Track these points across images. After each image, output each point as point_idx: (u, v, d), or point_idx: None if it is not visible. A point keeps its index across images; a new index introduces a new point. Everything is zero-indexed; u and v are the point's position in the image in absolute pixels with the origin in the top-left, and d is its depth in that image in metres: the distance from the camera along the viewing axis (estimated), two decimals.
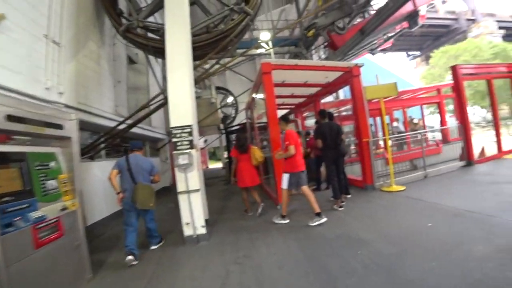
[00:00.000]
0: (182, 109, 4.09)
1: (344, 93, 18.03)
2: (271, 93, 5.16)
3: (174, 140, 4.00)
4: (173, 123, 4.03)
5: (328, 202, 5.21)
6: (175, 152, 4.01)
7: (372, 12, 10.75)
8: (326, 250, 3.17)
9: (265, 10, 12.54)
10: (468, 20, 36.71)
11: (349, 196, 5.30)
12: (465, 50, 27.41)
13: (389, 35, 15.65)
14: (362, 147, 5.83)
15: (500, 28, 35.61)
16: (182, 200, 3.98)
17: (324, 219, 4.09)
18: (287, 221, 4.38)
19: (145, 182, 3.80)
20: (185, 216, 3.97)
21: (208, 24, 5.96)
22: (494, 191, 4.46)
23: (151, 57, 7.95)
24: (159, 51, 4.33)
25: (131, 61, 9.46)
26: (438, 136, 12.98)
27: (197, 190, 4.00)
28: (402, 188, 5.45)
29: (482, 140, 9.39)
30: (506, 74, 8.25)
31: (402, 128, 13.05)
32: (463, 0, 36.73)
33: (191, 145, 4.00)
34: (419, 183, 5.84)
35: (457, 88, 7.15)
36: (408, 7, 12.61)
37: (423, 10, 15.83)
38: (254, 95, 6.87)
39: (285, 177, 4.32)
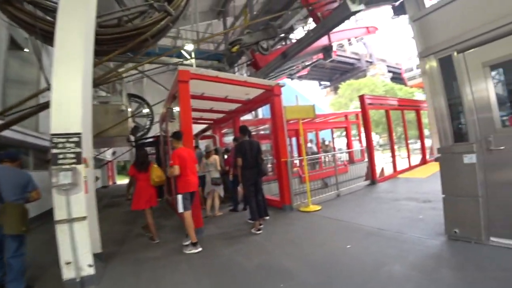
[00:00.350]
0: (70, 112, 3.15)
1: (262, 112, 18.72)
2: (187, 105, 4.63)
3: (54, 151, 3.05)
4: (54, 129, 3.03)
5: (246, 224, 4.88)
6: (54, 167, 3.04)
7: (294, 40, 11.55)
8: (245, 286, 2.77)
9: (191, 21, 12.09)
10: (367, 61, 43.81)
11: (267, 218, 5.06)
12: (365, 85, 32.34)
13: (307, 63, 17.27)
14: (280, 167, 5.74)
15: (389, 71, 43.74)
16: (61, 232, 2.94)
17: (199, 249, 3.76)
18: (200, 249, 3.81)
19: (17, 200, 2.95)
20: (64, 253, 2.94)
21: (121, 16, 5.13)
22: (397, 207, 5.00)
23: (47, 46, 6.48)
24: (51, 36, 3.34)
25: (15, 46, 7.52)
26: (345, 157, 14.49)
27: (83, 218, 3.03)
28: (319, 207, 5.53)
29: (379, 162, 10.77)
30: (398, 107, 9.77)
31: (315, 149, 14.16)
32: (364, 45, 43.93)
33: (78, 159, 3.10)
34: (333, 202, 6.06)
35: (364, 114, 7.90)
36: (324, 41, 14.08)
37: (335, 47, 18.28)
38: (168, 106, 6.25)
39: (179, 199, 3.91)
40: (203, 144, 8.80)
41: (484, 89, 3.06)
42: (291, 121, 8.06)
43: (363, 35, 17.17)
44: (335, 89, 47.58)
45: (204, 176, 6.07)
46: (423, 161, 10.07)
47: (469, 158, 3.10)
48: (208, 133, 10.27)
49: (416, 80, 24.94)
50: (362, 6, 7.43)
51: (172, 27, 5.87)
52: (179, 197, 3.93)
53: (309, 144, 14.08)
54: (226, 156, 6.88)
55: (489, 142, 2.98)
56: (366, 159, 8.39)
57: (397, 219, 4.30)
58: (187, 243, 3.97)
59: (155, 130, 12.53)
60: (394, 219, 4.32)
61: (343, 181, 7.88)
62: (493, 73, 3.04)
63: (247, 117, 10.79)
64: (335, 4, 8.31)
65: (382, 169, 8.37)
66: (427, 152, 10.61)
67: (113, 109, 8.39)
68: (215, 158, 5.95)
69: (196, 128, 10.65)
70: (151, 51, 9.00)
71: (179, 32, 11.67)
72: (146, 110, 12.92)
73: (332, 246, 3.54)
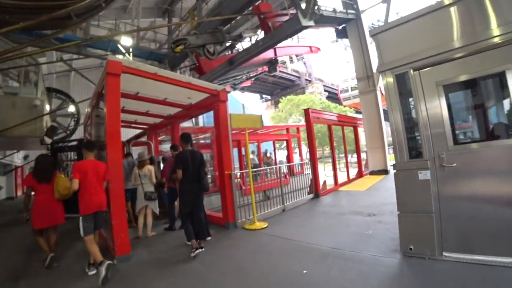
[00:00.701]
0: None
1: (203, 119, 18.03)
2: (115, 104, 3.78)
3: None
4: None
5: (185, 247, 4.12)
6: None
7: (241, 49, 11.32)
8: None
9: (133, 15, 10.95)
10: (306, 79, 46.76)
11: (209, 238, 4.42)
12: (304, 101, 34.13)
13: (251, 74, 17.34)
14: (224, 180, 5.13)
15: (325, 90, 47.34)
16: None
17: (103, 273, 3.07)
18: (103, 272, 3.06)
19: None
20: None
21: None
22: (344, 222, 4.86)
23: None
24: None
25: None
26: (285, 169, 14.69)
27: None
28: (265, 225, 5.07)
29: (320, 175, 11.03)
30: (339, 122, 10.13)
31: (257, 160, 13.98)
32: (304, 64, 47.00)
33: None
34: (279, 218, 5.69)
35: (308, 128, 7.84)
36: (270, 54, 14.24)
37: (278, 62, 18.88)
38: (94, 105, 5.22)
39: (80, 221, 3.34)
40: (137, 151, 7.77)
41: (438, 107, 3.09)
42: (233, 131, 7.64)
43: (306, 53, 18.07)
44: (276, 103, 49.34)
45: (135, 190, 5.15)
46: (359, 174, 10.67)
47: (424, 175, 3.11)
48: (143, 139, 9.12)
49: (351, 101, 27.26)
50: (312, 22, 7.56)
51: (104, 8, 4.93)
52: (80, 219, 3.37)
53: (251, 156, 13.86)
54: (163, 167, 6.04)
55: (442, 159, 3.00)
56: (307, 172, 8.36)
57: (348, 235, 4.13)
58: (91, 272, 3.33)
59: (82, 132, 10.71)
60: (345, 236, 4.13)
61: (285, 193, 7.72)
62: (445, 92, 3.09)
63: (187, 124, 10.02)
64: (285, 18, 8.37)
65: (325, 182, 8.45)
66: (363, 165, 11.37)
67: (23, 103, 6.75)
68: (150, 168, 5.09)
69: (129, 133, 9.40)
70: (79, 39, 7.70)
71: (117, 26, 10.37)
72: (71, 109, 11.06)
73: (288, 272, 3.07)
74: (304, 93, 42.01)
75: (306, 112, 7.85)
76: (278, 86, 47.78)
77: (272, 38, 7.66)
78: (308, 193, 7.57)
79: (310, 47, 17.80)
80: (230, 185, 5.12)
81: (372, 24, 15.35)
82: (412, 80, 3.26)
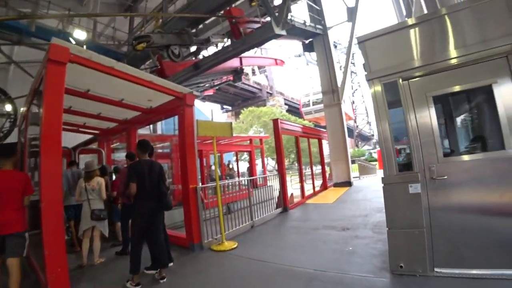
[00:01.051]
0: None
1: (162, 126, 16.98)
2: (56, 98, 2.99)
3: None
4: None
5: (142, 276, 3.38)
6: None
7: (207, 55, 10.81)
8: None
9: (90, 8, 9.87)
10: (268, 92, 47.59)
11: (171, 264, 3.71)
12: (265, 113, 34.42)
13: (215, 83, 16.83)
14: (188, 195, 4.43)
15: (286, 104, 48.54)
16: None
17: None
18: None
19: None
20: None
21: None
22: (320, 238, 4.59)
23: None
24: None
25: None
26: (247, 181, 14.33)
27: None
28: (235, 244, 4.47)
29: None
30: (305, 134, 10.04)
31: (219, 172, 13.40)
32: (266, 77, 47.92)
33: None
34: (249, 235, 5.16)
35: (277, 138, 7.50)
36: (236, 63, 13.97)
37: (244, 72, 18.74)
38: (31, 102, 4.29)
39: None
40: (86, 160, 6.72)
41: (427, 117, 2.95)
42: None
43: (271, 65, 18.18)
44: (236, 114, 49.26)
45: (80, 206, 4.25)
46: (324, 186, 10.68)
47: (414, 188, 2.95)
48: (93, 146, 7.99)
49: (312, 115, 27.83)
50: (284, 32, 7.42)
51: None
52: None
53: (212, 167, 13.25)
54: (115, 179, 5.21)
55: (432, 172, 2.88)
56: (270, 184, 8.05)
57: (328, 254, 3.81)
58: None
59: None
60: (325, 254, 3.80)
61: (252, 204, 7.29)
62: (435, 103, 2.99)
63: (144, 131, 9.13)
64: (257, 25, 8.15)
65: (292, 195, 8.18)
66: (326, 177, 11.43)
67: None
68: (100, 181, 4.20)
69: (77, 138, 8.18)
70: (21, 26, 6.58)
71: (72, 19, 9.18)
72: (7, 108, 9.44)
73: None
74: (265, 105, 42.51)
75: (275, 122, 7.57)
76: (239, 97, 47.83)
77: (243, 44, 7.34)
78: (276, 207, 7.20)
79: (275, 59, 17.96)
80: (196, 201, 4.47)
81: (334, 42, 16.12)
82: (401, 89, 3.13)
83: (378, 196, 8.01)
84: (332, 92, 11.25)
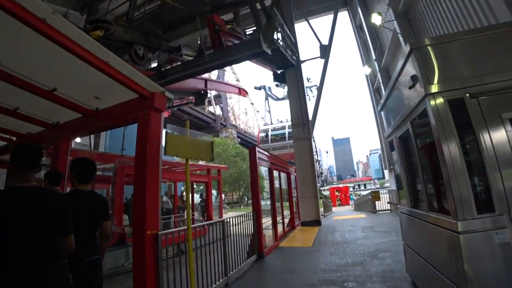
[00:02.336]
0: None
1: (105, 142, 14.44)
2: None
3: None
4: None
5: None
6: None
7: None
8: None
9: None
10: (221, 124, 46.85)
11: None
12: (219, 143, 33.27)
13: (176, 103, 15.35)
14: (143, 246, 2.69)
15: (238, 137, 48.17)
16: None
17: None
18: None
19: None
20: None
21: None
22: None
23: None
24: None
25: None
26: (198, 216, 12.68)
27: None
28: None
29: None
30: (277, 167, 8.98)
31: (171, 204, 11.46)
32: (220, 108, 47.56)
33: None
34: None
35: (254, 169, 6.27)
36: (201, 85, 12.87)
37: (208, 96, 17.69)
38: None
39: None
40: None
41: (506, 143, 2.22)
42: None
43: (234, 93, 17.54)
44: None
45: None
46: (292, 226, 9.60)
47: (501, 236, 2.06)
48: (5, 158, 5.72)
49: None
50: (269, 51, 6.74)
51: None
52: None
53: (164, 198, 11.27)
54: None
55: None
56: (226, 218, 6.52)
57: None
58: None
59: None
60: None
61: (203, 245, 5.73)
62: None
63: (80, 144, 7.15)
64: (237, 41, 7.34)
65: (264, 237, 6.88)
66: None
67: None
68: None
69: None
70: None
71: None
72: None
73: None
74: (218, 136, 41.44)
75: (252, 150, 6.38)
76: (192, 126, 46.00)
77: (222, 56, 6.34)
78: (249, 254, 5.55)
79: (239, 88, 17.42)
80: (154, 257, 2.76)
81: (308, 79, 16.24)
82: (470, 107, 2.38)
83: (359, 237, 7.31)
84: (302, 125, 10.74)
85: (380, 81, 12.29)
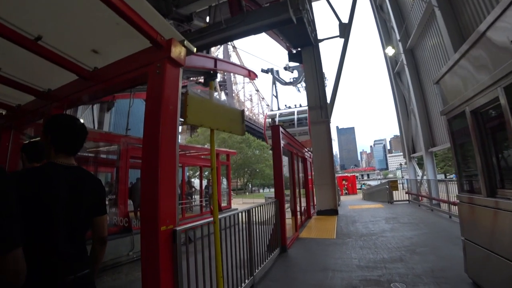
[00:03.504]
0: None
1: (111, 120, 13.79)
2: None
3: None
4: None
5: None
6: None
7: None
8: None
9: None
10: None
11: None
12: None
13: (184, 83, 14.54)
14: (156, 245, 1.90)
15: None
16: None
17: None
18: None
19: None
20: None
21: None
22: None
23: None
24: None
25: None
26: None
27: None
28: None
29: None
30: (298, 152, 8.29)
31: (179, 190, 10.87)
32: (225, 94, 46.57)
33: None
34: None
35: (277, 151, 5.42)
36: (210, 64, 12.02)
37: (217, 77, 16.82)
38: None
39: None
40: None
41: None
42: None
43: (244, 75, 16.64)
44: (192, 128, 46.65)
45: None
46: (308, 215, 8.98)
47: None
48: None
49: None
50: (295, 19, 5.89)
51: None
52: None
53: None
54: None
55: None
56: (238, 208, 5.89)
57: None
58: None
59: None
60: None
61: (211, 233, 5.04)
62: None
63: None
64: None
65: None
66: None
67: None
68: None
69: None
70: None
71: None
72: None
73: None
74: None
75: (275, 129, 5.69)
76: None
77: (242, 23, 5.52)
78: (269, 247, 4.70)
79: (249, 70, 16.50)
80: (171, 262, 2.01)
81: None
82: None
83: (385, 229, 6.39)
84: (320, 108, 9.94)
85: (405, 62, 11.33)
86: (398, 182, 12.72)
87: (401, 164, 64.43)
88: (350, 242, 5.58)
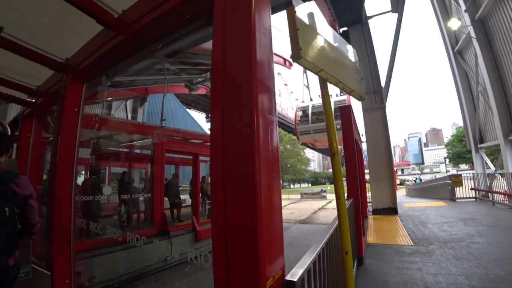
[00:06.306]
0: None
1: (145, 110, 13.46)
2: None
3: None
4: None
5: None
6: None
7: None
8: None
9: None
10: None
11: None
12: None
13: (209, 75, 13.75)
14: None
15: None
16: None
17: None
18: None
19: None
20: None
21: None
22: None
23: None
24: None
25: None
26: None
27: None
28: None
29: None
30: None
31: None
32: None
33: None
34: None
35: (349, 135, 4.21)
36: None
37: None
38: None
39: None
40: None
41: None
42: None
43: (279, 63, 15.60)
44: None
45: None
46: (364, 214, 7.77)
47: None
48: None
49: (310, 136, 19.10)
50: None
51: None
52: None
53: (209, 179, 9.71)
54: None
55: None
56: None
57: None
58: None
59: None
60: None
61: None
62: None
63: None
64: None
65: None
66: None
67: None
68: None
69: None
70: None
71: None
72: None
73: None
74: None
75: (345, 110, 4.52)
76: None
77: None
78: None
79: (285, 59, 15.43)
80: None
81: None
82: None
83: (470, 233, 5.13)
84: (373, 92, 8.61)
85: (473, 35, 9.52)
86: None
87: (445, 158, 59.05)
88: (436, 250, 4.37)
